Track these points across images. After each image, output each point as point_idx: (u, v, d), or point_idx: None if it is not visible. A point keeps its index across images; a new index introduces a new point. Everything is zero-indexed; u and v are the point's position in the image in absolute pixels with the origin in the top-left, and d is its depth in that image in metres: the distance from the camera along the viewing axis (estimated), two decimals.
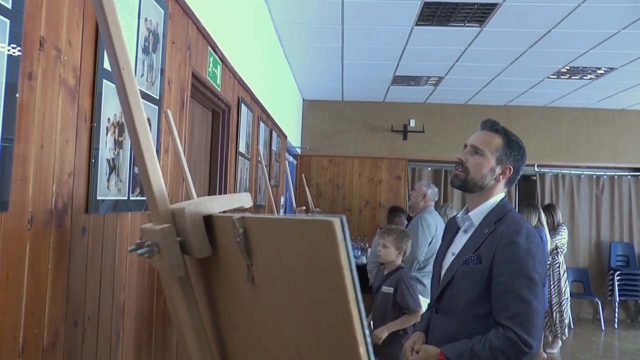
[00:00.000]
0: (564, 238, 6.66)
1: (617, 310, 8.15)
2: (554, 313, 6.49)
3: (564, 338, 6.63)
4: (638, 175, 8.69)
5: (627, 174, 8.71)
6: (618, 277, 8.19)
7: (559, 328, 6.52)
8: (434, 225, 4.83)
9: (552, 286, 6.56)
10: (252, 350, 0.91)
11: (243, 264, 0.82)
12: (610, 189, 8.68)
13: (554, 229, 6.68)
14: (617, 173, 8.71)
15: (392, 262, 3.61)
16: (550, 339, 6.61)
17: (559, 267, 6.63)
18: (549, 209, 6.87)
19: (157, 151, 2.28)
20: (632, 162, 8.60)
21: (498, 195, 2.11)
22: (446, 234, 2.31)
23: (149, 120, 2.17)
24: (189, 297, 0.99)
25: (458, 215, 2.22)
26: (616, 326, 8.08)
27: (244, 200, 1.16)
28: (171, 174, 2.49)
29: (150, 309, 2.26)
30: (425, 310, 2.38)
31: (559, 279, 6.59)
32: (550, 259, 6.51)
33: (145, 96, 2.11)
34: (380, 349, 3.54)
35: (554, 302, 6.50)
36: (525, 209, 6.27)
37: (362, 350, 0.55)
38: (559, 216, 6.86)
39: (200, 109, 3.40)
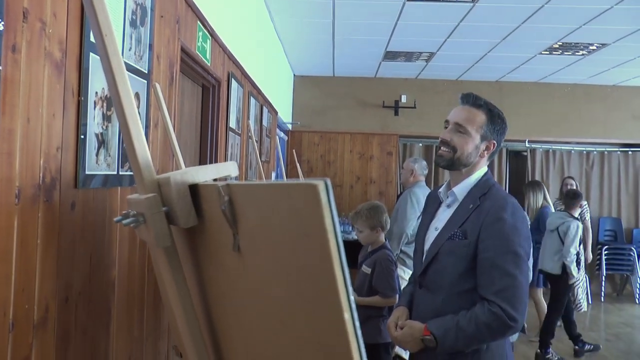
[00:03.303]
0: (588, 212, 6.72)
1: (603, 284, 8.29)
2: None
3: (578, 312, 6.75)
4: (627, 151, 8.74)
5: (617, 149, 8.76)
6: (605, 252, 8.29)
7: (576, 304, 6.59)
8: (423, 198, 4.82)
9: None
10: (239, 320, 0.92)
11: (229, 233, 0.81)
12: (600, 165, 8.73)
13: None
14: (607, 149, 8.76)
15: (375, 241, 3.58)
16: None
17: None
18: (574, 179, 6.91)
19: (147, 126, 2.26)
20: (621, 138, 8.64)
21: (481, 170, 2.10)
22: (427, 209, 2.28)
23: (137, 94, 2.15)
24: (175, 268, 0.99)
25: (440, 190, 2.19)
26: (602, 300, 8.23)
27: (231, 169, 1.15)
28: (161, 148, 2.48)
29: (141, 285, 2.27)
30: (408, 285, 2.35)
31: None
32: None
33: (133, 70, 2.09)
34: None
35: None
36: (530, 188, 6.27)
37: (347, 316, 0.55)
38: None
39: (190, 84, 3.37)
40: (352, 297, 0.57)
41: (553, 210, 6.22)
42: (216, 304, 1.05)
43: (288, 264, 0.67)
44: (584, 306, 6.68)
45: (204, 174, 0.99)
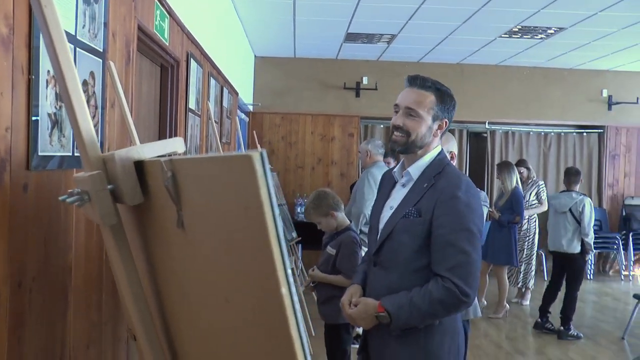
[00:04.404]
0: (545, 192, 6.90)
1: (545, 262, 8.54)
2: (524, 265, 6.73)
3: (531, 288, 6.96)
4: (582, 133, 8.97)
5: (573, 131, 8.98)
6: None
7: (522, 280, 6.80)
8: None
9: (527, 240, 6.79)
10: (186, 298, 0.91)
11: (173, 209, 0.80)
12: (557, 146, 8.94)
13: (526, 183, 6.91)
14: (564, 130, 8.97)
15: (339, 224, 3.59)
16: (524, 290, 6.88)
17: (535, 221, 6.87)
18: (524, 164, 7.08)
19: (103, 106, 2.21)
20: (578, 120, 8.85)
21: (435, 150, 2.12)
22: (382, 188, 2.30)
23: (92, 73, 2.10)
24: (122, 246, 0.97)
25: (395, 170, 2.20)
26: None
27: (177, 145, 1.13)
28: (118, 129, 2.42)
29: (99, 268, 2.22)
30: (361, 264, 2.36)
31: (535, 233, 6.85)
32: (527, 213, 6.70)
33: (87, 49, 2.03)
34: (318, 308, 3.58)
35: (525, 254, 6.74)
36: (505, 169, 6.35)
37: (284, 290, 0.55)
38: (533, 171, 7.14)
39: (148, 64, 3.31)
40: (289, 271, 0.56)
41: (522, 191, 6.36)
42: (164, 282, 1.04)
43: (229, 239, 0.67)
44: (532, 282, 6.91)
45: (150, 151, 0.97)
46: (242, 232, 0.62)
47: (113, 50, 2.33)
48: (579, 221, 5.56)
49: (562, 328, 5.58)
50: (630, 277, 8.64)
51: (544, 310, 5.78)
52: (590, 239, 5.56)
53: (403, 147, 2.07)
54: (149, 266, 1.09)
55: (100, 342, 2.26)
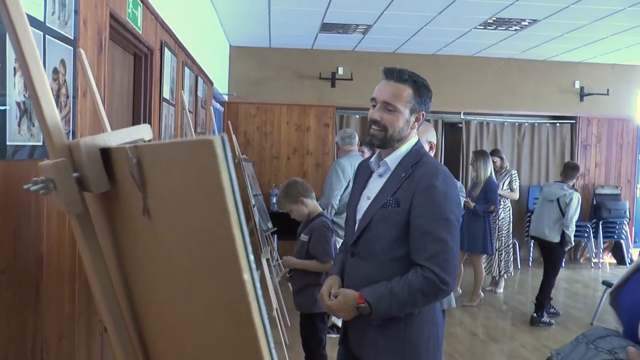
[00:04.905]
0: (517, 181, 7.06)
1: (531, 250, 8.71)
2: (503, 254, 6.85)
3: (507, 277, 7.08)
4: (556, 123, 9.10)
5: (547, 122, 9.10)
6: None
7: (504, 268, 6.91)
8: (351, 168, 4.81)
9: (504, 229, 6.89)
10: (153, 287, 0.90)
11: (139, 197, 0.79)
12: (531, 136, 9.06)
13: (499, 173, 7.02)
14: (538, 121, 9.09)
15: (311, 212, 3.62)
16: (497, 278, 6.99)
17: (509, 210, 6.98)
18: (498, 154, 7.18)
19: (74, 96, 2.17)
20: (551, 110, 8.98)
21: (412, 140, 2.13)
22: (358, 178, 2.30)
23: (63, 61, 2.06)
24: (89, 236, 0.96)
25: (372, 160, 2.20)
26: (530, 264, 8.68)
27: (144, 132, 1.12)
28: (90, 119, 2.38)
29: (72, 259, 2.19)
30: (338, 254, 2.37)
31: (510, 222, 6.96)
32: (502, 202, 6.81)
33: (57, 36, 1.99)
34: (294, 298, 3.60)
35: (502, 243, 6.85)
36: (481, 158, 6.42)
37: (246, 276, 0.54)
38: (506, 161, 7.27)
39: (121, 52, 3.26)
40: (251, 257, 0.56)
41: (495, 181, 6.46)
42: (133, 272, 1.03)
43: (192, 226, 0.66)
44: (511, 270, 7.06)
45: (116, 138, 0.95)
46: (204, 218, 0.61)
47: (84, 38, 2.29)
48: (563, 212, 5.71)
49: (535, 315, 5.69)
50: (600, 264, 8.83)
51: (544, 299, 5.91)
52: (571, 231, 5.70)
53: (381, 141, 2.08)
54: (118, 256, 1.08)
55: (74, 335, 2.23)
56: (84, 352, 2.35)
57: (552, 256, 5.85)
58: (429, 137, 3.45)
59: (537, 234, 5.92)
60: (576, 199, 5.73)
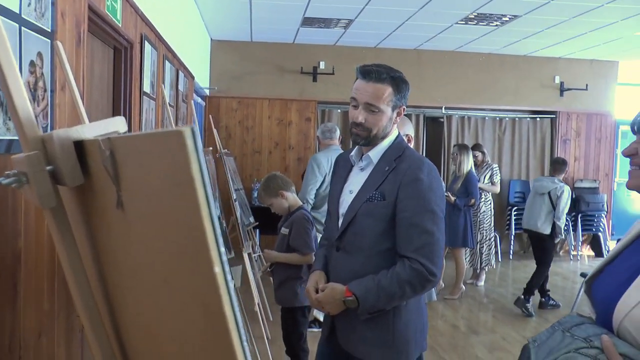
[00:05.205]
0: (499, 175, 7.20)
1: (512, 243, 8.81)
2: (485, 247, 6.93)
3: (488, 269, 7.18)
4: (536, 118, 9.19)
5: (527, 116, 9.19)
6: (515, 212, 8.78)
7: (485, 261, 7.00)
8: (327, 163, 4.82)
9: (485, 222, 6.97)
10: (128, 283, 0.89)
11: (113, 190, 0.79)
12: (511, 131, 9.14)
13: (481, 167, 7.09)
14: (518, 116, 9.17)
15: (291, 205, 3.63)
16: (478, 271, 7.06)
17: (490, 204, 7.06)
18: (479, 148, 7.26)
19: (52, 89, 2.14)
20: (531, 105, 9.06)
21: (393, 134, 2.14)
22: (338, 171, 2.29)
23: (40, 54, 2.03)
24: (63, 230, 0.95)
25: (352, 154, 2.20)
26: (511, 257, 8.78)
27: (118, 124, 1.11)
28: (69, 113, 2.35)
29: (51, 255, 2.16)
30: (320, 249, 2.36)
31: (491, 216, 7.04)
32: (483, 196, 6.91)
33: (34, 28, 1.96)
34: (275, 292, 3.60)
35: (484, 236, 6.93)
36: (464, 151, 6.50)
37: (217, 269, 0.54)
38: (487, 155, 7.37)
39: (100, 46, 3.23)
40: (222, 250, 0.56)
41: (476, 175, 6.54)
42: (109, 266, 1.02)
43: (165, 219, 0.66)
44: (492, 263, 7.15)
45: (90, 130, 0.94)
46: (176, 210, 0.61)
47: (62, 31, 2.26)
48: (554, 205, 5.91)
49: (522, 297, 5.92)
50: (579, 257, 8.95)
51: (542, 290, 6.12)
52: (562, 223, 5.92)
53: (366, 140, 2.09)
54: (94, 250, 1.07)
55: (53, 332, 2.21)
56: (63, 349, 2.33)
57: (543, 248, 6.04)
58: (406, 130, 3.49)
59: (530, 227, 6.11)
60: (567, 192, 5.93)
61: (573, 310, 5.78)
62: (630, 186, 1.54)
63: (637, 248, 1.56)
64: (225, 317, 0.55)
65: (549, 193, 5.96)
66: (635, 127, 1.48)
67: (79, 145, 0.91)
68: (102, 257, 1.03)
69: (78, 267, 0.95)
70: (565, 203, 5.88)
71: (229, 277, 0.55)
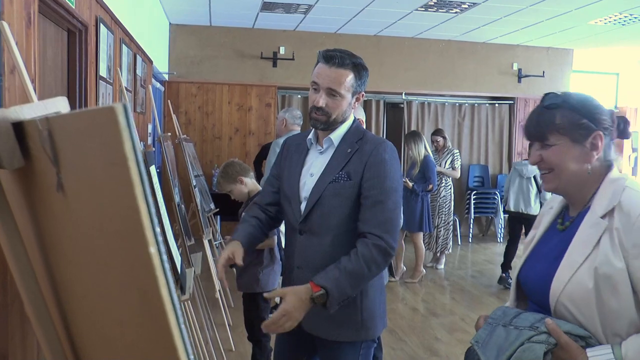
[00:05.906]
0: (459, 160, 7.34)
1: (471, 226, 8.98)
2: (442, 231, 7.04)
3: (448, 253, 7.31)
4: (494, 104, 9.34)
5: (486, 102, 9.33)
6: (474, 196, 8.95)
7: (444, 244, 7.11)
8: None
9: (444, 207, 7.06)
10: (72, 267, 0.87)
11: (53, 172, 0.76)
12: (471, 116, 9.28)
13: (442, 152, 7.21)
14: (477, 102, 9.30)
15: (250, 192, 3.64)
16: (439, 255, 7.17)
17: (451, 188, 7.16)
18: (440, 134, 7.35)
19: (1, 73, 2.06)
20: (490, 91, 9.20)
21: (350, 118, 2.18)
22: (290, 156, 2.27)
23: None
24: (4, 215, 0.91)
25: (309, 137, 2.21)
26: (470, 240, 8.95)
27: (60, 104, 1.07)
28: (20, 97, 2.27)
29: None
30: (243, 223, 2.26)
31: (451, 200, 7.14)
32: (443, 180, 7.03)
33: None
34: (236, 279, 3.60)
35: (442, 220, 7.03)
36: (412, 139, 6.54)
37: (152, 250, 0.53)
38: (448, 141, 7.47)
39: (53, 28, 3.12)
40: (157, 230, 0.55)
41: (433, 159, 6.59)
42: (53, 252, 0.99)
43: (102, 200, 0.64)
44: (450, 246, 7.28)
45: (29, 111, 0.91)
46: (112, 190, 0.59)
47: (10, 11, 2.18)
48: (539, 188, 6.22)
49: (503, 274, 6.39)
50: None
51: (506, 265, 6.42)
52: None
53: (325, 124, 2.11)
54: (38, 236, 1.04)
55: (7, 323, 2.15)
56: (18, 340, 2.27)
57: (529, 228, 6.21)
58: (359, 115, 3.55)
59: (517, 209, 6.39)
60: None
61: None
62: (548, 190, 1.63)
63: (553, 231, 1.65)
64: (161, 299, 0.54)
65: (534, 177, 6.22)
66: (528, 136, 1.59)
67: (19, 127, 0.88)
68: (46, 242, 1.00)
69: (21, 254, 0.93)
70: None
71: (164, 257, 0.54)
